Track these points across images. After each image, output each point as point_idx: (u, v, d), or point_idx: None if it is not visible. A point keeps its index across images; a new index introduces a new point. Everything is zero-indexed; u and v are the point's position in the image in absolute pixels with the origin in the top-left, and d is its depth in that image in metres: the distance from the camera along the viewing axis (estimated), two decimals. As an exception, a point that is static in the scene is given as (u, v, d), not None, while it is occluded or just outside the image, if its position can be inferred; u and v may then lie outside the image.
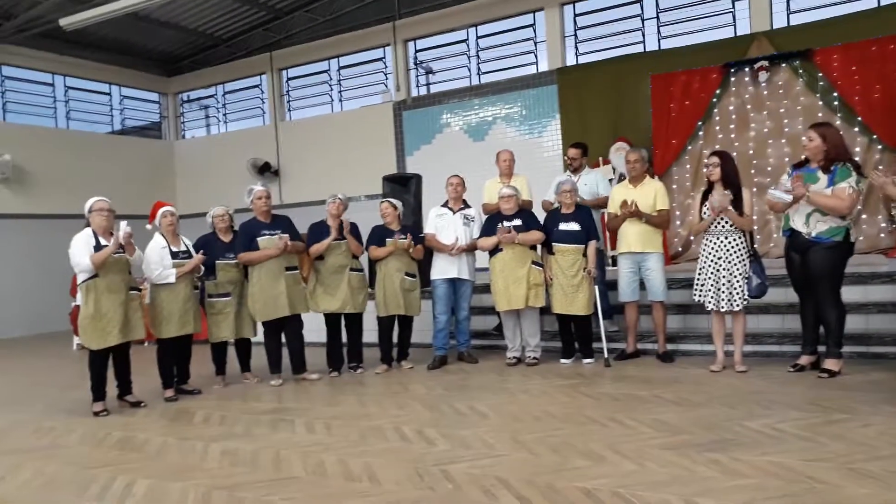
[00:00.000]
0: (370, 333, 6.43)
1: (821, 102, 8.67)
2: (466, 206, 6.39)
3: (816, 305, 4.88)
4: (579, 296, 5.81)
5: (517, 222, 5.95)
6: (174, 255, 5.61)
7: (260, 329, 6.10)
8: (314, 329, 6.58)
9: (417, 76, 12.42)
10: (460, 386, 5.46)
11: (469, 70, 11.90)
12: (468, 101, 11.51)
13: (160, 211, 5.75)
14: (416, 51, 12.36)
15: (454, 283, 6.28)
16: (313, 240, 6.13)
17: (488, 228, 6.08)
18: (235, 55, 13.91)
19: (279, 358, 6.08)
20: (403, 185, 8.11)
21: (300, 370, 6.12)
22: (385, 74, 12.68)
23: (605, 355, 5.85)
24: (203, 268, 5.85)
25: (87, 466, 3.94)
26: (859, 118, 8.20)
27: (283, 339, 6.10)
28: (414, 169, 10.80)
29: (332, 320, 6.25)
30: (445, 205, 6.36)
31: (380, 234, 6.26)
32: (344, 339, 6.35)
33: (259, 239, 5.83)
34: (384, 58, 12.65)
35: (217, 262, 5.92)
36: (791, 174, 4.97)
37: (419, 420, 4.46)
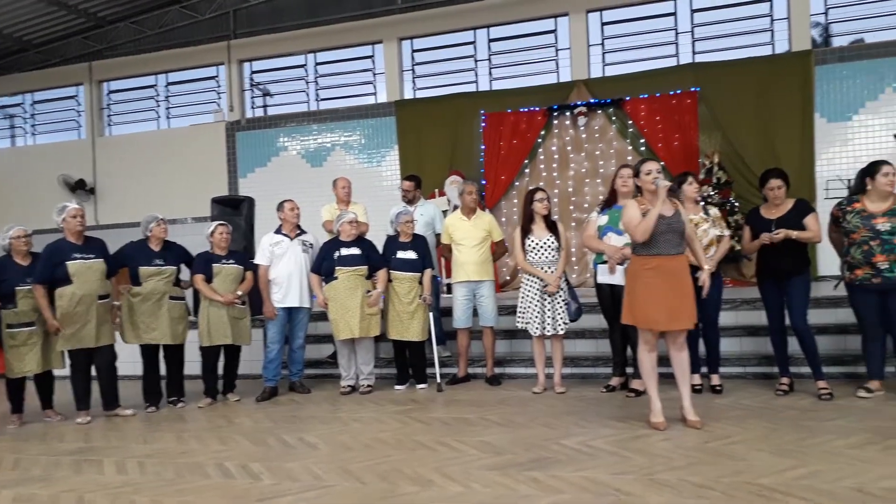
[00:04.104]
0: (193, 365, 6.07)
1: (630, 147, 9.64)
2: (302, 231, 6.28)
3: (623, 331, 5.33)
4: (414, 322, 5.92)
5: (355, 250, 5.95)
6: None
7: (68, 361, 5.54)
8: (129, 361, 6.10)
9: (253, 97, 12.10)
10: (290, 417, 5.30)
11: (308, 95, 11.80)
12: (306, 125, 11.39)
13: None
14: (252, 72, 12.05)
15: (290, 311, 6.12)
16: (127, 257, 5.74)
17: (325, 255, 6.01)
18: (48, 62, 12.69)
19: (87, 392, 5.55)
20: (234, 208, 7.79)
21: (112, 405, 5.63)
22: (218, 93, 12.22)
23: (438, 380, 5.98)
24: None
25: None
26: (662, 163, 9.17)
27: (94, 372, 5.59)
28: (247, 192, 10.46)
29: (149, 351, 5.82)
30: (279, 231, 6.20)
31: (206, 261, 5.96)
32: (163, 371, 5.93)
33: (69, 263, 5.32)
34: (217, 77, 12.19)
35: (17, 288, 5.31)
36: (600, 213, 5.43)
37: (243, 454, 4.26)
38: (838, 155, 8.98)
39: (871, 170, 4.81)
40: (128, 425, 5.33)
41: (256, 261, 6.16)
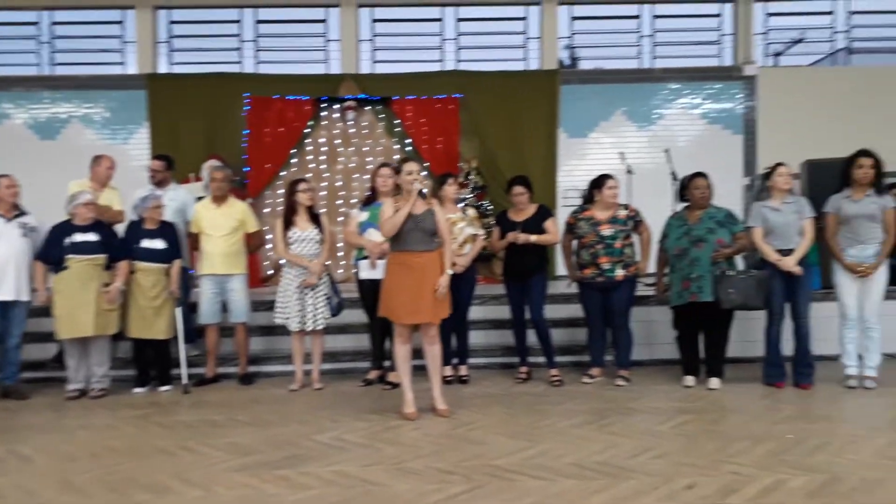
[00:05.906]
0: None
1: (397, 146, 9.84)
2: (22, 212, 5.43)
3: (383, 324, 5.41)
4: (160, 319, 5.46)
5: (92, 236, 5.30)
6: None
7: None
8: None
9: (-31, 54, 10.25)
10: (0, 427, 4.56)
11: (41, 57, 10.29)
12: (37, 92, 9.90)
13: None
14: (-30, 25, 10.21)
15: (3, 305, 5.26)
16: None
17: (53, 240, 5.26)
18: None
19: None
20: (-65, 183, 6.50)
21: None
22: (-81, 44, 10.15)
23: (184, 381, 5.55)
24: None
25: None
26: (427, 164, 9.48)
27: None
28: (-45, 164, 8.82)
29: None
30: (-8, 210, 5.30)
31: None
32: None
33: None
34: (-81, 24, 10.13)
35: None
36: (361, 209, 5.48)
37: (-70, 475, 3.56)
38: (576, 167, 10.04)
39: (599, 182, 5.45)
40: None
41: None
